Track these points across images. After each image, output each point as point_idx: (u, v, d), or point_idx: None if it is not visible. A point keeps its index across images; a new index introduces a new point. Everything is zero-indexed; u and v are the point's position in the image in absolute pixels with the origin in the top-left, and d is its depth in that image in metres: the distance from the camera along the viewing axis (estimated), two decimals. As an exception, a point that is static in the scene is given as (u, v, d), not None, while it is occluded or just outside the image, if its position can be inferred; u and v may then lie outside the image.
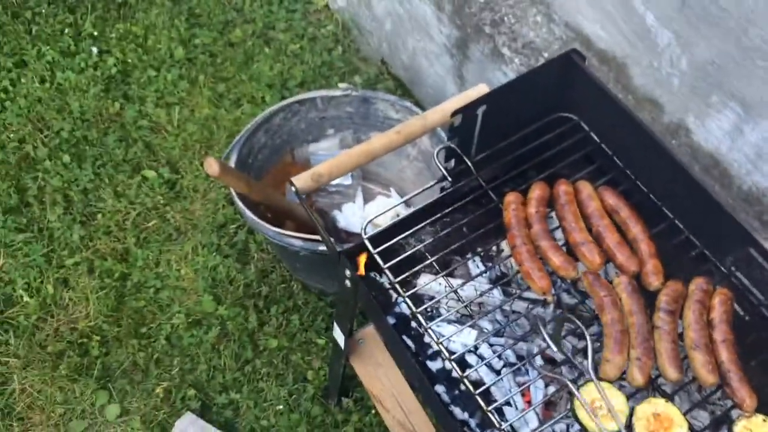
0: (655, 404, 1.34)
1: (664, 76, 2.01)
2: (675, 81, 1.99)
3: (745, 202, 1.97)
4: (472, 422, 1.68)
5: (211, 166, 2.23)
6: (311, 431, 2.57)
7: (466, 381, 1.42)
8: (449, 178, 1.64)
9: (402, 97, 3.11)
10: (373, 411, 2.54)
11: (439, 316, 1.76)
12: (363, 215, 2.93)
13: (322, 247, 2.37)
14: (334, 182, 3.02)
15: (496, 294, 1.74)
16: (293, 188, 1.79)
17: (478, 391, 1.40)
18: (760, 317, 1.48)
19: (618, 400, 1.36)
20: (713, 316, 1.42)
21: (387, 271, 1.54)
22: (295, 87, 3.28)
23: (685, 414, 1.37)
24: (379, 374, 2.26)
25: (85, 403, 2.60)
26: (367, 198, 2.99)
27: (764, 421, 1.34)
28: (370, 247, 1.57)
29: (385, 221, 2.56)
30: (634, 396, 1.42)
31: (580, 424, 1.35)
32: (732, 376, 1.36)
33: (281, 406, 2.62)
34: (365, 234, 1.59)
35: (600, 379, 1.40)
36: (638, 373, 1.36)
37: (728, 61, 1.79)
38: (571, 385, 1.37)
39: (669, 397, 1.40)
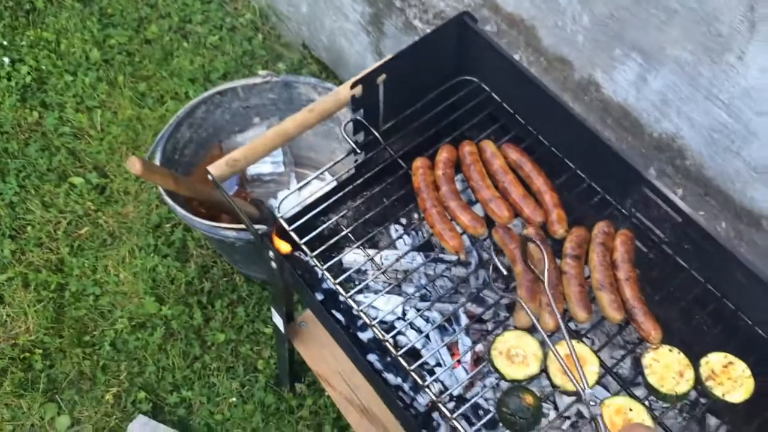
0: (561, 348, 1.39)
1: (569, 34, 2.06)
2: (580, 38, 2.04)
3: (657, 149, 2.03)
4: (406, 386, 1.72)
5: (134, 165, 2.21)
6: (266, 419, 2.58)
7: (389, 343, 1.45)
8: (358, 150, 1.66)
9: (325, 79, 3.11)
10: (327, 393, 2.57)
11: (366, 288, 1.80)
12: (299, 201, 2.93)
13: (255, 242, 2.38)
14: (267, 171, 3.02)
15: (420, 260, 1.78)
16: (210, 176, 1.79)
17: (400, 352, 1.44)
18: (662, 254, 1.55)
19: (532, 345, 1.41)
20: (616, 256, 1.48)
21: (304, 247, 1.55)
22: (219, 79, 3.25)
23: (597, 352, 1.43)
24: (324, 354, 2.28)
25: (34, 417, 2.56)
26: (301, 182, 2.99)
27: (670, 351, 1.40)
28: (285, 225, 1.59)
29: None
30: (550, 338, 1.48)
31: (498, 372, 1.40)
32: (637, 311, 1.42)
33: (234, 399, 2.62)
34: (279, 212, 1.60)
35: (515, 327, 1.45)
36: (549, 318, 1.41)
37: (625, 14, 1.84)
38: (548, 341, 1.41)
39: (580, 338, 1.46)
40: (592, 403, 1.15)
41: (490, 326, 1.73)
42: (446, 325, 1.75)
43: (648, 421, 1.31)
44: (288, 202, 2.93)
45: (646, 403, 1.39)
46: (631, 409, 1.33)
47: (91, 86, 3.24)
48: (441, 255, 1.76)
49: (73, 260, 2.84)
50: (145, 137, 3.11)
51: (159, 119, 3.14)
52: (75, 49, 3.34)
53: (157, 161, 2.52)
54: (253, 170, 2.97)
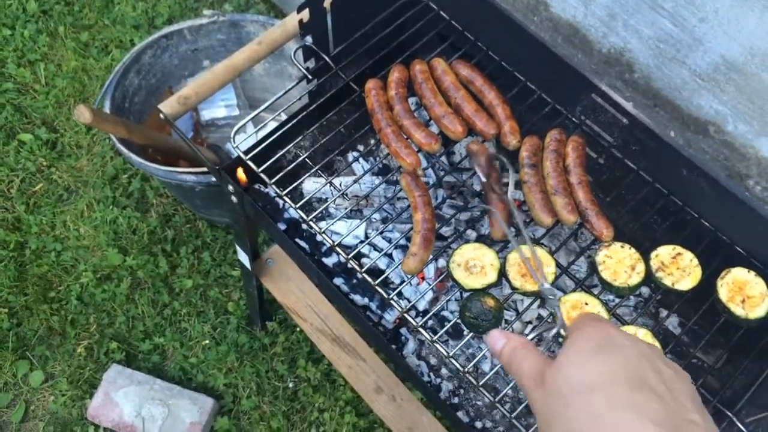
0: (524, 250, 1.44)
1: (514, -48, 2.05)
2: (525, -45, 2.03)
3: (607, 65, 2.06)
4: (373, 305, 1.77)
5: (83, 113, 2.15)
6: (240, 359, 2.62)
7: (352, 262, 1.48)
8: (310, 77, 1.65)
9: (274, 17, 3.05)
10: (298, 328, 2.61)
11: (329, 216, 1.82)
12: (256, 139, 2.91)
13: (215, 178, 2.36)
14: (222, 115, 2.98)
15: (378, 183, 1.80)
16: (162, 115, 1.77)
17: (363, 269, 1.47)
18: (612, 158, 1.60)
19: (489, 256, 1.45)
20: (568, 162, 1.52)
21: (262, 175, 1.56)
22: (164, 24, 3.16)
23: (553, 254, 1.48)
24: (292, 288, 2.31)
25: (6, 375, 2.56)
26: (259, 125, 2.96)
27: (621, 247, 1.46)
28: (241, 155, 1.59)
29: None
30: (508, 245, 1.53)
31: (457, 283, 1.44)
32: (589, 213, 1.47)
33: (207, 341, 2.65)
34: (234, 143, 1.59)
35: (492, 240, 1.49)
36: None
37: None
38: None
39: (537, 242, 1.51)
40: (550, 297, 1.21)
41: (451, 242, 1.77)
42: (408, 244, 1.78)
43: (603, 313, 1.38)
44: (246, 144, 2.92)
45: (602, 298, 1.46)
46: (586, 303, 1.40)
47: (31, 39, 3.12)
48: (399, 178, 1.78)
49: (30, 218, 2.79)
50: (92, 88, 3.03)
51: (105, 69, 3.06)
52: (10, 1, 3.20)
53: (106, 110, 2.47)
54: (207, 115, 2.93)
